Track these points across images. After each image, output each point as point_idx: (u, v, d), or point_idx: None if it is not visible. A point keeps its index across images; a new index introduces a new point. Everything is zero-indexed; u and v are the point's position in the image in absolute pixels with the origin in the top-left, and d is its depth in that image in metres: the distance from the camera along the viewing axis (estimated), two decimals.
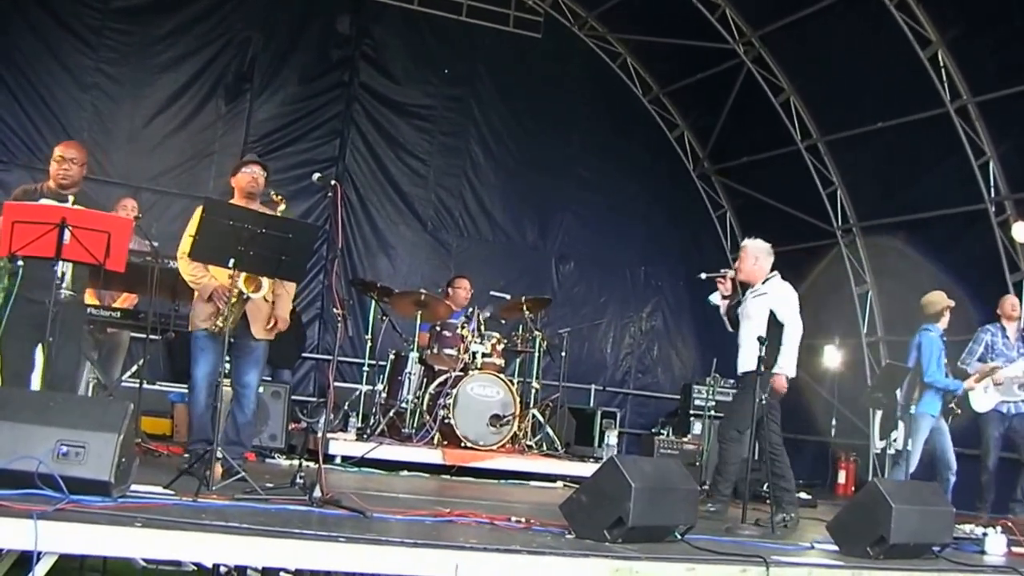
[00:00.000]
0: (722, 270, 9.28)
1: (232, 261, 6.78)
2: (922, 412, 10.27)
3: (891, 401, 10.61)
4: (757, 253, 9.03)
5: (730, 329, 9.09)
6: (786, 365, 8.55)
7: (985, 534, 7.63)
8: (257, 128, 14.39)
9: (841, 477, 14.30)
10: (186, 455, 7.67)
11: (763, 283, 8.91)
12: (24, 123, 13.09)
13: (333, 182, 7.36)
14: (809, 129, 15.04)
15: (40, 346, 7.20)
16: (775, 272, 8.99)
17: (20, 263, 6.64)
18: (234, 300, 7.23)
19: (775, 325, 8.65)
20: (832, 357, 15.00)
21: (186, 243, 7.59)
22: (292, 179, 13.97)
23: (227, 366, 7.58)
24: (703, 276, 9.28)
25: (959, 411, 10.49)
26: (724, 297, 9.17)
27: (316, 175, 7.75)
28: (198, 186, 13.48)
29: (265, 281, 7.37)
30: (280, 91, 14.60)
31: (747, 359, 8.58)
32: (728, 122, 15.86)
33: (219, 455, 6.69)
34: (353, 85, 15.06)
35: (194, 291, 7.67)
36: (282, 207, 7.52)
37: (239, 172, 7.86)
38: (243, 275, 7.15)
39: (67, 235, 6.50)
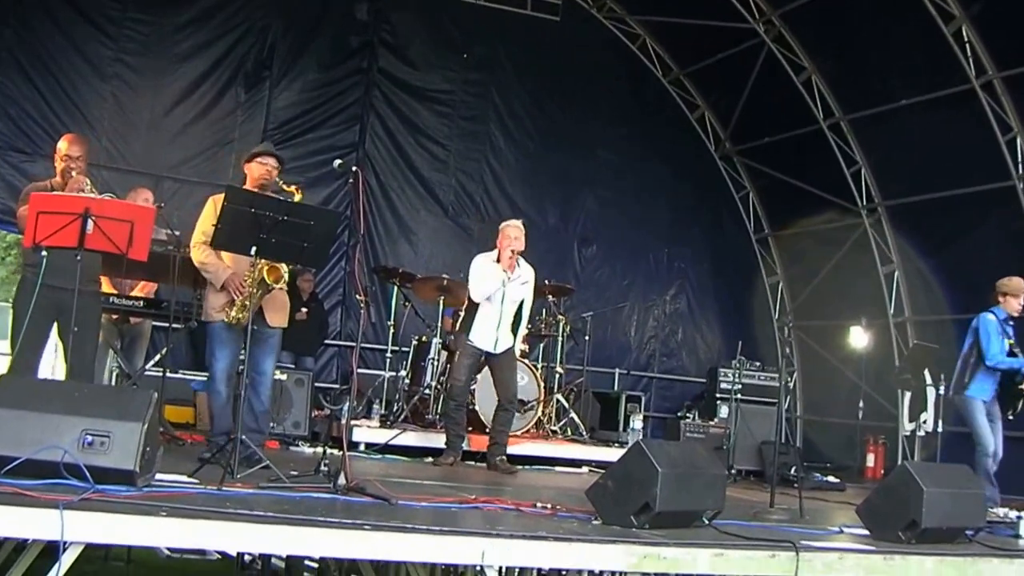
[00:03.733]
0: None
1: (254, 249, 6.77)
2: (971, 396, 9.99)
3: (919, 382, 10.53)
4: None
5: None
6: None
7: (1020, 517, 7.54)
8: (277, 115, 14.39)
9: (870, 460, 14.23)
10: (208, 445, 7.69)
11: None
12: (47, 114, 13.13)
13: (354, 168, 7.33)
14: (832, 108, 14.93)
15: (56, 327, 7.29)
16: None
17: (44, 253, 6.67)
18: (256, 291, 7.22)
19: None
20: (859, 338, 14.92)
21: (199, 234, 7.61)
22: (312, 166, 14.02)
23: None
24: None
25: None
26: None
27: (337, 161, 7.76)
28: (218, 174, 13.48)
29: (286, 270, 7.37)
30: (299, 78, 14.59)
31: None
32: (749, 102, 15.76)
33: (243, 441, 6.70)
34: (372, 71, 15.04)
35: None
36: (298, 197, 7.49)
37: (254, 161, 7.83)
38: (266, 267, 7.15)
39: (90, 225, 6.52)
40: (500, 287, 9.67)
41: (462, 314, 10.02)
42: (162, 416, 9.09)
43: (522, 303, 9.96)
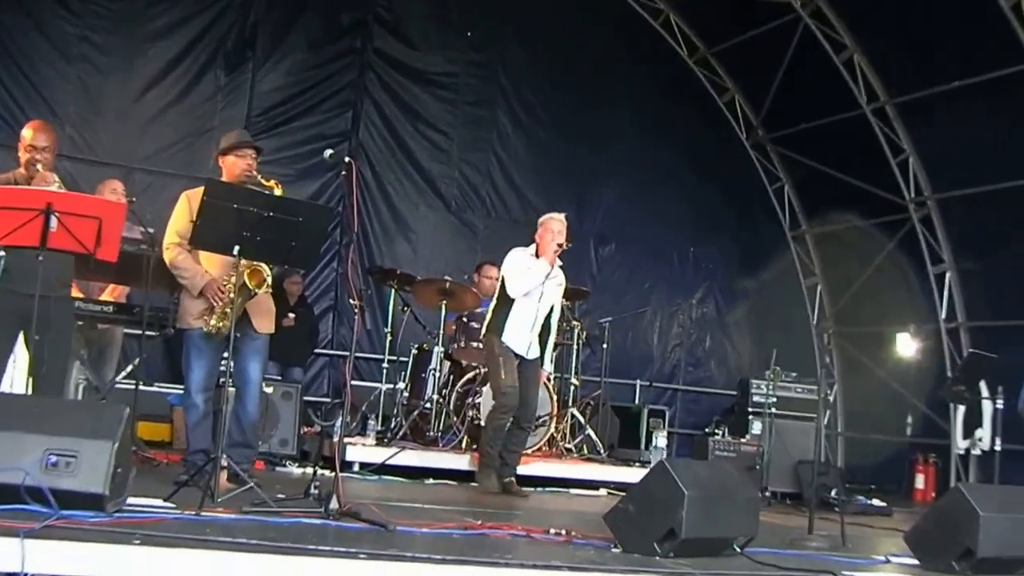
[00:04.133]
0: None
1: (237, 248, 6.77)
2: None
3: (974, 395, 10.51)
4: None
5: None
6: None
7: None
8: (261, 100, 14.36)
9: (919, 481, 14.22)
10: (184, 466, 7.69)
11: None
12: (4, 99, 13.07)
13: (347, 159, 7.33)
14: (876, 91, 14.90)
15: (23, 338, 7.25)
16: None
17: (2, 253, 6.65)
18: (236, 297, 7.22)
19: None
20: (906, 346, 14.91)
21: (171, 234, 7.61)
22: (300, 156, 14.02)
23: (230, 364, 7.57)
24: None
25: None
26: None
27: (328, 152, 7.73)
28: (197, 165, 13.41)
29: (268, 272, 7.36)
30: (286, 59, 14.54)
31: None
32: (784, 85, 15.72)
33: (224, 462, 6.69)
34: (366, 51, 15.01)
35: None
36: (278, 192, 7.48)
37: (231, 155, 7.81)
38: (246, 270, 7.15)
39: (53, 222, 6.50)
40: (540, 284, 9.79)
41: (489, 314, 10.07)
42: (135, 434, 9.09)
43: (551, 309, 10.08)
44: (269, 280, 7.41)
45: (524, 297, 9.80)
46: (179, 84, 13.97)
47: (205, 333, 7.46)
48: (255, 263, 7.23)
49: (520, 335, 9.83)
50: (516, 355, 9.84)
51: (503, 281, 9.94)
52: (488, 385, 10.48)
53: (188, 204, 7.47)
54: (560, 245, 9.82)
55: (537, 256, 9.88)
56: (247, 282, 7.21)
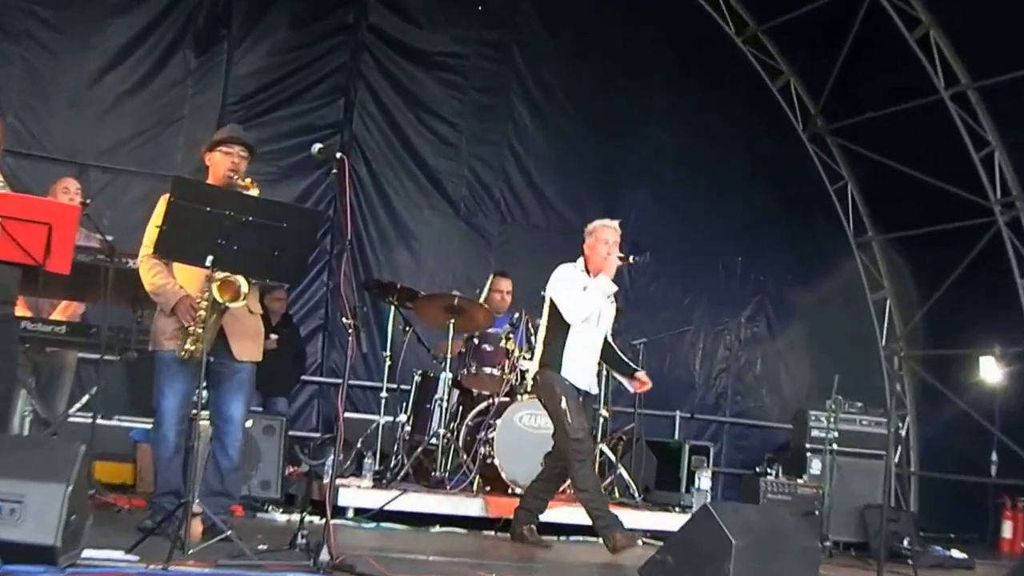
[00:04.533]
0: None
1: (211, 259, 6.77)
2: None
3: None
4: None
5: None
6: None
7: None
8: (238, 86, 14.34)
9: (1006, 529, 14.18)
10: (149, 509, 7.69)
11: None
12: None
13: (338, 155, 7.34)
14: (956, 73, 14.88)
15: None
16: None
17: None
18: (206, 314, 7.22)
19: None
20: (991, 372, 14.86)
21: (148, 244, 7.61)
22: (284, 151, 14.01)
23: (203, 394, 7.57)
24: None
25: None
26: None
27: (316, 146, 7.73)
28: (163, 161, 13.45)
29: (244, 283, 7.35)
30: (266, 38, 14.53)
31: None
32: (848, 67, 15.72)
33: (197, 508, 6.68)
34: (360, 29, 15.01)
35: None
36: (254, 192, 7.49)
37: (217, 150, 7.84)
38: (216, 280, 7.15)
39: None
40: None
41: (540, 346, 9.85)
42: (92, 475, 9.09)
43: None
44: (245, 290, 7.38)
45: (582, 323, 9.62)
46: (142, 67, 13.92)
47: (180, 356, 7.47)
48: (231, 276, 7.22)
49: (582, 368, 9.64)
50: (578, 392, 9.62)
51: (552, 305, 9.73)
52: (502, 418, 10.47)
53: (166, 208, 7.48)
54: (622, 259, 9.68)
55: (588, 271, 9.72)
56: (217, 296, 7.20)
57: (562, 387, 9.51)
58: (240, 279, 7.29)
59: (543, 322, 9.88)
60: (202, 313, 7.26)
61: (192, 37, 14.13)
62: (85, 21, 13.71)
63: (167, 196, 7.52)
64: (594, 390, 9.88)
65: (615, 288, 9.72)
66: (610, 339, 10.05)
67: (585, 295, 9.56)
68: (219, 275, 7.08)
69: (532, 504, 9.88)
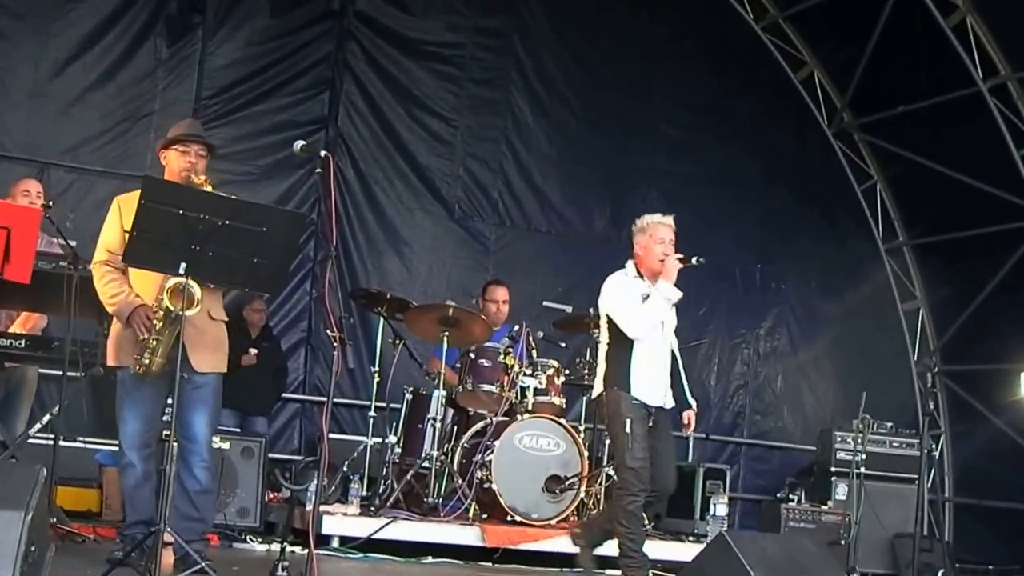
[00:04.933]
0: None
1: (184, 266, 6.77)
2: None
3: None
4: None
5: None
6: None
7: None
8: (214, 79, 14.32)
9: None
10: (119, 541, 7.68)
11: None
12: None
13: (323, 153, 7.35)
14: (995, 63, 14.85)
15: None
16: None
17: None
18: (159, 324, 7.20)
19: None
20: None
21: (102, 250, 7.62)
22: (264, 149, 14.01)
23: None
24: None
25: None
26: None
27: (299, 144, 7.75)
28: (131, 161, 13.44)
29: (196, 288, 7.31)
30: (244, 26, 14.52)
31: None
32: (877, 57, 15.70)
33: (168, 538, 6.68)
34: (347, 16, 14.99)
35: None
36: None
37: (172, 148, 7.85)
38: (168, 286, 7.14)
39: None
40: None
41: (602, 363, 9.65)
42: (53, 502, 9.08)
43: None
44: (199, 295, 7.34)
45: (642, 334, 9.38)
46: (108, 57, 13.89)
47: (134, 372, 7.46)
48: (179, 279, 7.19)
49: (653, 383, 9.40)
50: (649, 410, 9.37)
51: (609, 320, 9.53)
52: (500, 439, 10.47)
53: (119, 212, 7.49)
54: (682, 260, 9.41)
55: (640, 275, 9.54)
56: (168, 303, 7.19)
57: (630, 409, 9.26)
58: (193, 284, 7.25)
59: (602, 339, 9.69)
60: (157, 324, 7.25)
61: (164, 24, 14.09)
62: (45, 5, 13.66)
63: (120, 200, 7.55)
64: (669, 404, 9.55)
65: (680, 294, 9.48)
66: (676, 353, 9.89)
67: (646, 306, 9.37)
68: (170, 281, 7.08)
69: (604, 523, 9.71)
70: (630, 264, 9.65)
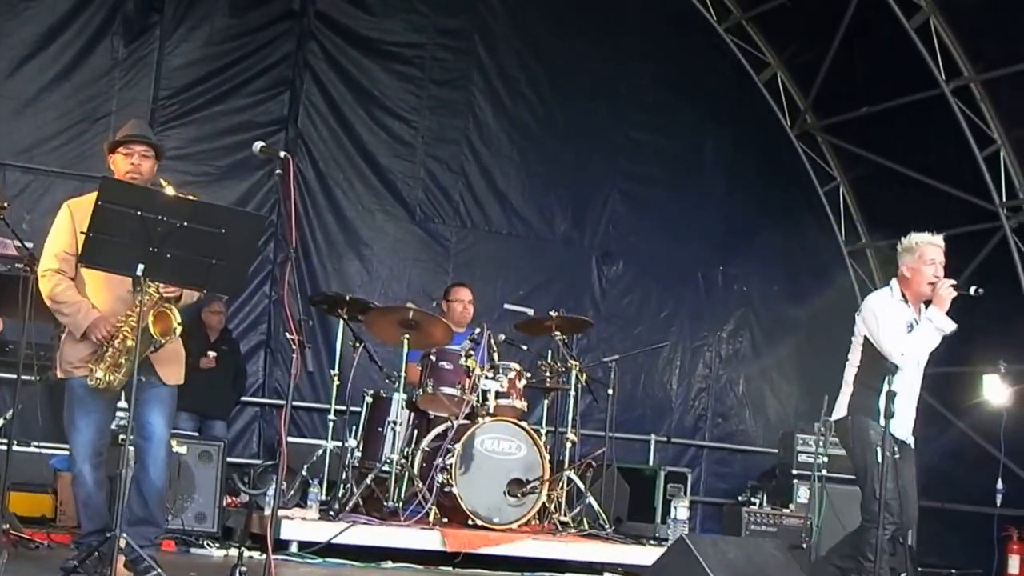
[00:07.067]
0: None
1: (141, 267, 6.75)
2: None
3: None
4: None
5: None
6: None
7: None
8: (172, 78, 14.28)
9: (1013, 564, 14.21)
10: (75, 549, 7.65)
11: None
12: None
13: (283, 154, 7.34)
14: (958, 64, 14.91)
15: None
16: None
17: None
18: (136, 345, 7.14)
19: None
20: (996, 391, 14.91)
21: (49, 256, 7.58)
22: (223, 150, 13.99)
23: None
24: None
25: None
26: None
27: (258, 144, 7.74)
28: (88, 161, 13.36)
29: (177, 317, 7.31)
30: (203, 25, 14.48)
31: None
32: (840, 58, 15.77)
33: (123, 543, 6.66)
34: (307, 15, 14.96)
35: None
36: (169, 191, 7.47)
37: (116, 151, 7.83)
38: (152, 314, 7.11)
39: None
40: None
41: (849, 386, 9.27)
42: (6, 507, 9.05)
43: None
44: (178, 328, 7.35)
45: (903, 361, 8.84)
46: (64, 56, 13.85)
47: (91, 384, 7.42)
48: (164, 305, 7.18)
49: (902, 415, 8.78)
50: (897, 441, 8.83)
51: (867, 343, 9.09)
52: (463, 442, 10.48)
53: (70, 217, 7.46)
54: (956, 288, 8.93)
55: (905, 299, 9.10)
56: (151, 330, 7.16)
57: (874, 437, 8.74)
58: (174, 310, 7.25)
59: (851, 358, 9.31)
60: (126, 339, 7.21)
61: (121, 23, 14.03)
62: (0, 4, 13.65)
63: (70, 204, 7.52)
64: (910, 440, 9.14)
65: (954, 326, 8.90)
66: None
67: (916, 335, 8.93)
68: (151, 290, 7.05)
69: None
70: (894, 284, 9.24)
